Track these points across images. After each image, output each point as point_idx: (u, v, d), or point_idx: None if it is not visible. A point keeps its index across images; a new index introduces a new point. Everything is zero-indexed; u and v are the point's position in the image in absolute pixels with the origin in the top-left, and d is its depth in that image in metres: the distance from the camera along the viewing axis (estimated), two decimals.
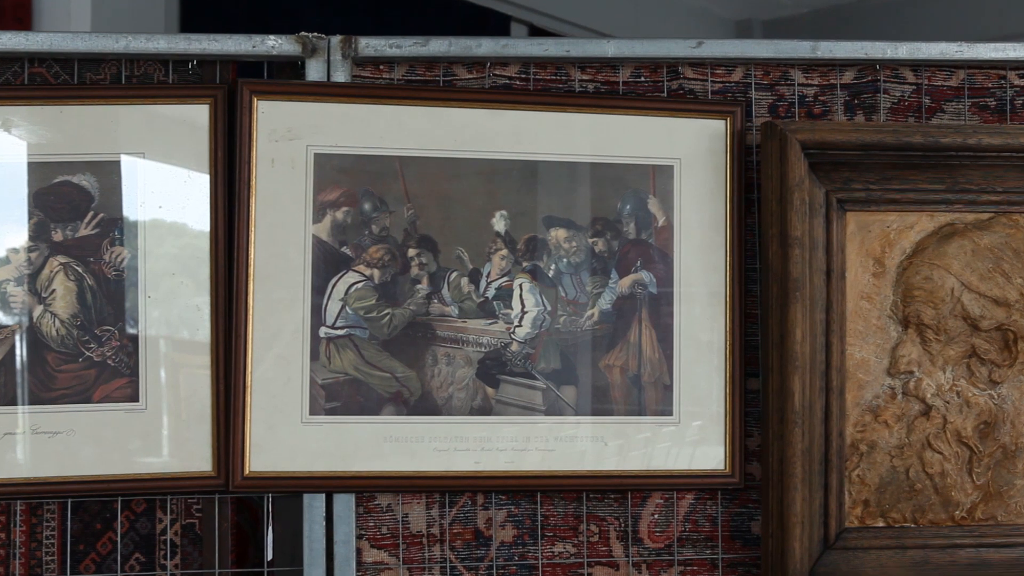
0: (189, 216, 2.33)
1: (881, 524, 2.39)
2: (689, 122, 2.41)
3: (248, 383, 2.30)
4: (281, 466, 2.32)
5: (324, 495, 2.35)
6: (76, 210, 2.30)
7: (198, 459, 2.30)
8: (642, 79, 2.45)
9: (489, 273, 2.39)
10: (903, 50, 2.45)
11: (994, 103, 2.49)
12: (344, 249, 2.36)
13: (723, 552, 2.44)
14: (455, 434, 2.36)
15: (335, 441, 2.33)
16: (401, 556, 2.38)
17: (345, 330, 2.34)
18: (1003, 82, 2.47)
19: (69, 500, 2.32)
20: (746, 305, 2.43)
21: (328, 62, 2.37)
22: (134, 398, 2.29)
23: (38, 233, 2.29)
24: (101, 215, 2.31)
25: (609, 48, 2.42)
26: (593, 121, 2.40)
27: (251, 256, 2.31)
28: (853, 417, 2.39)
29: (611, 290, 2.42)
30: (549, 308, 2.40)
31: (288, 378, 2.32)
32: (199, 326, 2.31)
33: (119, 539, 2.35)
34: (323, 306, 2.34)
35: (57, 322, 2.29)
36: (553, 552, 2.41)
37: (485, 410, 2.38)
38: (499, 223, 2.39)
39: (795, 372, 2.32)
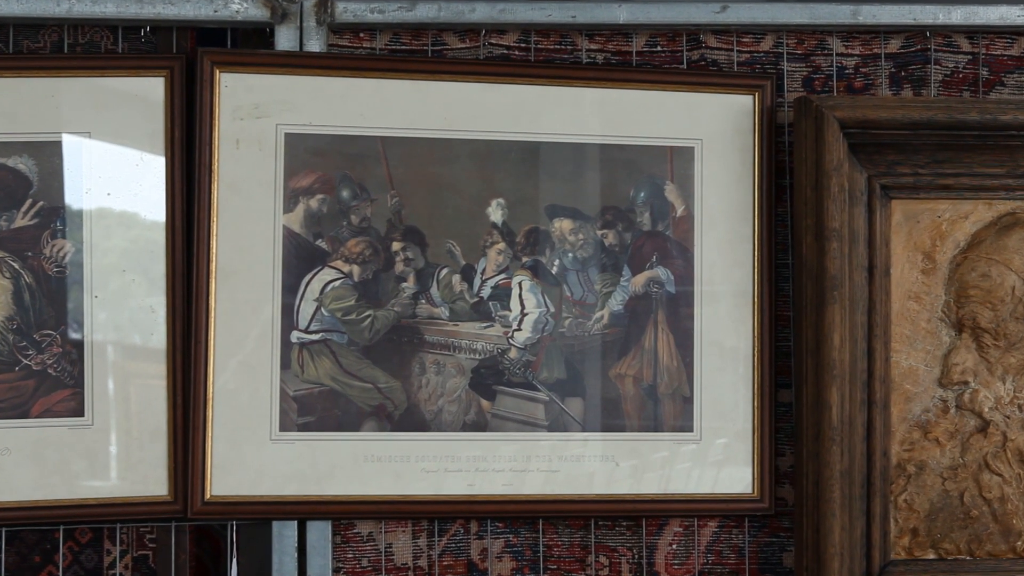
0: (141, 204, 2.32)
1: (932, 556, 2.40)
2: (712, 98, 2.42)
3: (209, 395, 2.30)
4: (247, 490, 2.31)
5: (296, 523, 2.35)
6: (11, 197, 2.29)
7: (152, 482, 2.29)
8: (658, 49, 2.45)
9: (484, 270, 2.39)
10: (957, 14, 2.45)
11: None
12: (319, 242, 2.35)
13: None
14: (446, 453, 2.36)
15: (309, 461, 2.33)
16: None
17: (320, 334, 2.34)
18: None
19: (3, 529, 2.30)
20: (777, 306, 2.43)
21: (300, 29, 2.37)
22: (79, 412, 2.28)
23: None
24: (40, 203, 2.29)
25: (621, 13, 2.41)
26: (603, 97, 2.40)
27: (213, 250, 2.31)
28: (899, 434, 2.39)
29: (623, 289, 2.42)
30: (552, 309, 2.40)
31: (255, 389, 2.32)
32: (153, 330, 2.31)
33: (61, 573, 2.34)
34: (295, 307, 2.34)
35: None
36: None
37: (480, 425, 2.38)
38: (495, 213, 2.39)
39: (832, 382, 2.31)
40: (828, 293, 2.31)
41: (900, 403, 2.38)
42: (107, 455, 2.29)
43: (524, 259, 2.40)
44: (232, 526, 2.35)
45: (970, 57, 2.47)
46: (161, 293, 2.30)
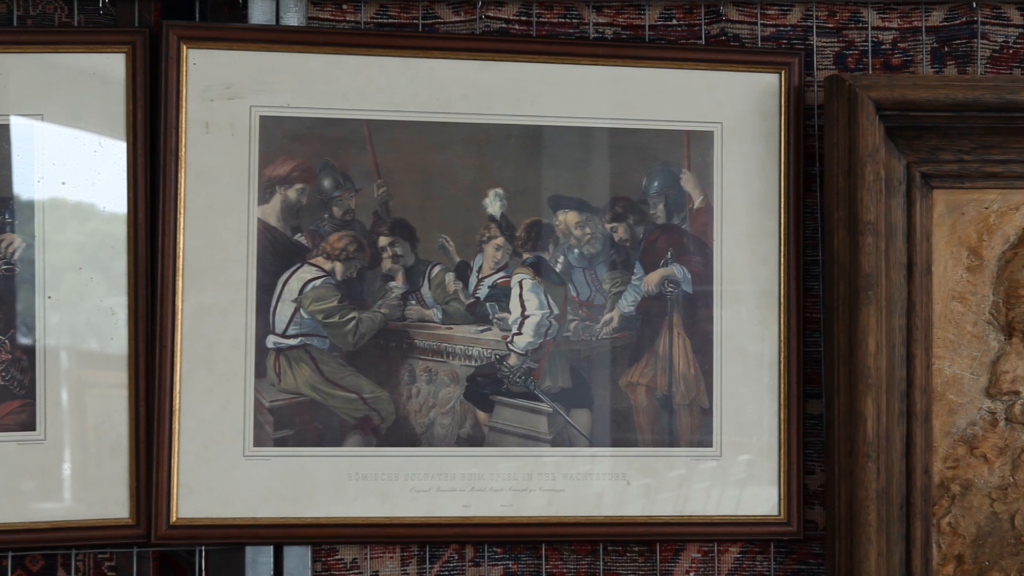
0: (100, 195, 2.31)
1: None
2: (733, 77, 2.42)
3: (175, 407, 2.29)
4: (217, 511, 2.31)
5: (272, 548, 2.35)
6: None
7: (111, 503, 2.29)
8: (674, 22, 2.44)
9: (481, 267, 2.38)
10: None
11: None
12: (298, 237, 2.34)
13: None
14: (438, 470, 2.35)
15: (286, 480, 2.32)
16: None
17: (299, 339, 2.34)
18: None
19: None
20: (805, 308, 2.43)
21: (277, 0, 2.37)
22: (29, 426, 2.28)
23: None
24: None
25: None
26: (612, 75, 2.40)
27: (179, 246, 2.30)
28: (942, 449, 2.37)
29: (634, 288, 2.40)
30: (556, 311, 2.39)
31: (227, 400, 2.31)
32: (112, 334, 2.30)
33: None
34: (271, 309, 2.33)
35: None
36: None
37: (476, 440, 2.37)
38: (493, 204, 2.38)
39: (867, 392, 2.30)
40: (862, 293, 2.29)
41: (943, 415, 2.36)
42: (61, 473, 2.28)
43: (525, 255, 2.38)
44: (200, 552, 2.33)
45: (1021, 31, 2.47)
46: (122, 293, 2.29)
